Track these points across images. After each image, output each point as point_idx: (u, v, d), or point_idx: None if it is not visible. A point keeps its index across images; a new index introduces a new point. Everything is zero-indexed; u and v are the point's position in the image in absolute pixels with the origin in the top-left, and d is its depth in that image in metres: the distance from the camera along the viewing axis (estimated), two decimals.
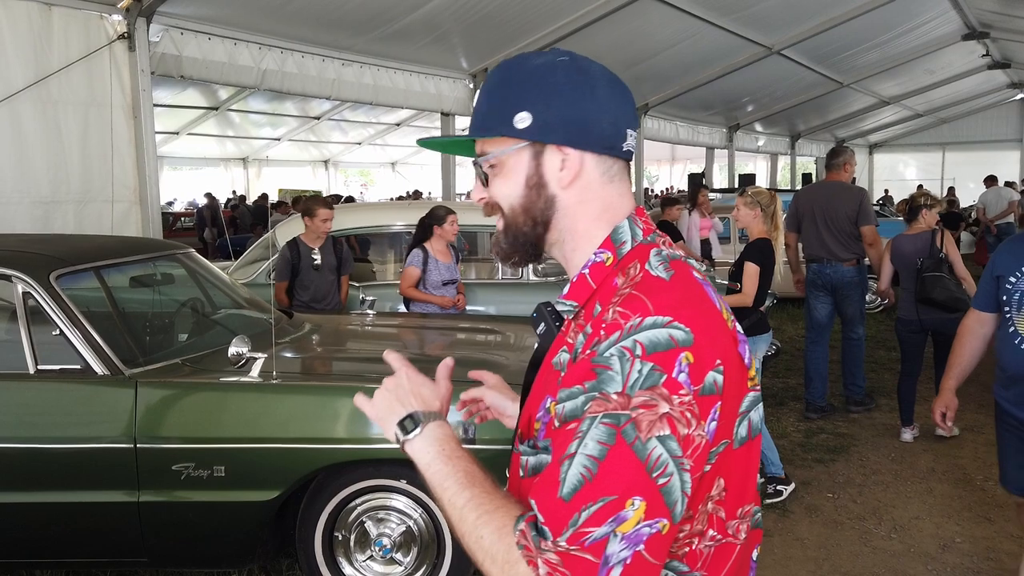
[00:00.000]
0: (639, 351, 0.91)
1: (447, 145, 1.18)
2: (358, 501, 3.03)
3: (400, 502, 3.03)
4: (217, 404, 2.92)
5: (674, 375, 0.91)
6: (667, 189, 23.65)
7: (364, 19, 8.13)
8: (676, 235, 8.29)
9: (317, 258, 4.99)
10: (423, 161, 27.84)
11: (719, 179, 18.35)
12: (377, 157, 26.29)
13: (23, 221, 5.75)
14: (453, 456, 1.02)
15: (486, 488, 0.98)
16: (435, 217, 4.95)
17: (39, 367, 2.91)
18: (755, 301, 4.20)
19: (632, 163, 1.14)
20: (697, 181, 17.02)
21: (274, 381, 2.95)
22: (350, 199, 19.02)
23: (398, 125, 21.41)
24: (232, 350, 2.92)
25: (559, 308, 1.08)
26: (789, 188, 18.77)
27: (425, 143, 1.19)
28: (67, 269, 3.10)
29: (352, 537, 3.04)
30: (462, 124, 11.37)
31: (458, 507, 0.98)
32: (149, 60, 6.56)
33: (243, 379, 2.93)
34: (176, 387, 2.94)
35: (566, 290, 1.07)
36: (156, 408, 2.88)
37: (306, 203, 5.15)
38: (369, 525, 3.03)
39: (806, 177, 21.67)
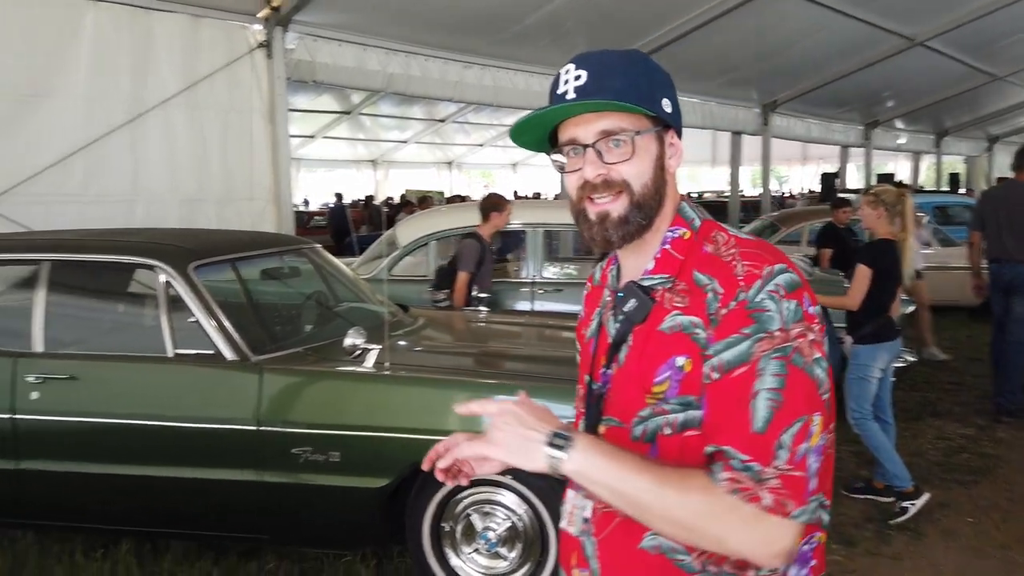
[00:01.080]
0: (782, 292, 1.05)
1: (530, 129, 1.18)
2: (465, 494, 3.06)
3: (506, 498, 3.04)
4: (334, 392, 3.04)
5: (806, 308, 1.06)
6: (792, 193, 22.55)
7: (485, 22, 8.25)
8: (841, 242, 7.11)
9: (494, 252, 5.12)
10: (543, 162, 27.85)
11: (855, 179, 17.39)
12: (498, 158, 26.68)
13: (172, 217, 6.22)
14: (614, 453, 1.06)
15: (657, 465, 1.05)
16: None
17: (176, 351, 3.13)
18: (872, 306, 3.94)
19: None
20: (830, 182, 16.26)
21: (386, 372, 3.03)
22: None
23: None
24: (347, 341, 3.03)
25: (647, 283, 1.16)
26: (934, 189, 17.54)
27: (522, 122, 1.16)
28: (203, 261, 3.31)
29: (459, 529, 3.08)
30: None
31: (651, 491, 1.02)
32: (285, 67, 6.93)
33: (358, 369, 3.03)
34: (297, 374, 3.08)
35: (651, 266, 1.16)
36: (278, 393, 3.03)
37: (494, 198, 5.27)
38: (475, 518, 3.06)
39: (952, 177, 20.18)
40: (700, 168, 28.67)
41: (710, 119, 12.45)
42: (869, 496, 4.10)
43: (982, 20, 10.76)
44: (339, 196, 18.06)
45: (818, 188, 21.39)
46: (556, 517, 3.06)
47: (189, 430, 3.08)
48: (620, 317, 1.18)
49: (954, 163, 21.09)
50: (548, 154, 1.20)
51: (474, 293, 4.73)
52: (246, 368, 3.06)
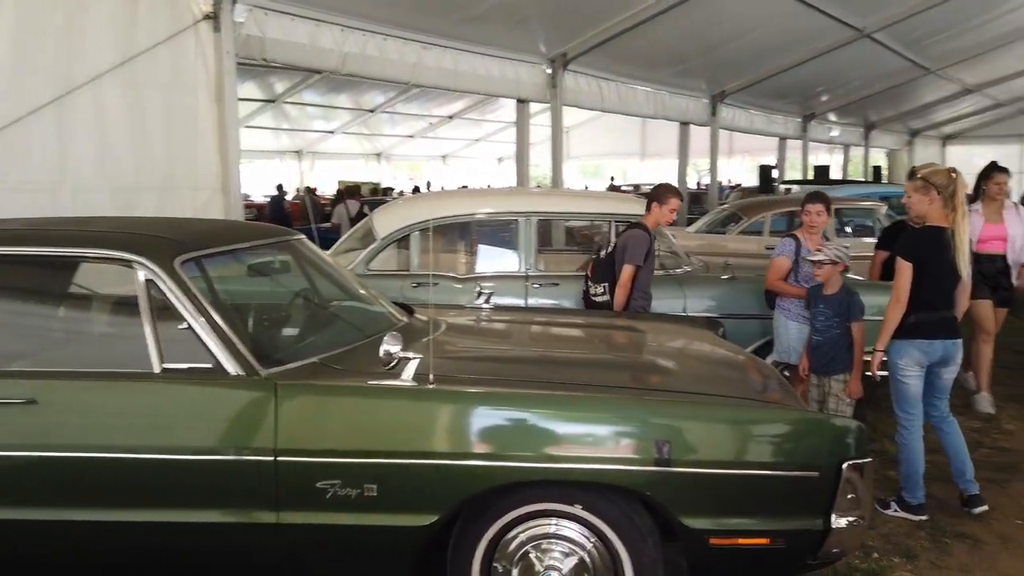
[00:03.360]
0: None
1: None
2: (521, 527, 2.61)
3: (571, 530, 2.59)
4: (367, 412, 2.52)
5: None
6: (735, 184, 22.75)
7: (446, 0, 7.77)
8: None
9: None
10: (473, 154, 27.55)
11: (791, 173, 17.63)
12: (428, 150, 26.05)
13: (104, 207, 5.45)
14: None
15: None
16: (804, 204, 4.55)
17: (164, 365, 2.54)
18: (912, 300, 3.59)
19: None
20: (768, 174, 16.40)
21: (430, 386, 2.54)
22: (416, 190, 18.68)
23: (451, 118, 21.23)
24: (384, 348, 2.52)
25: None
26: (862, 180, 17.95)
27: None
28: (191, 254, 2.73)
29: (515, 571, 2.62)
30: (536, 110, 10.93)
31: None
32: (234, 41, 6.25)
33: (396, 383, 2.53)
34: (321, 391, 2.55)
35: None
36: (299, 415, 2.49)
37: (658, 189, 4.84)
38: (534, 556, 2.61)
39: (875, 170, 20.77)
40: (630, 160, 28.74)
41: (661, 109, 12.27)
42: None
43: (924, 14, 10.92)
44: (280, 188, 17.20)
45: (743, 182, 21.82)
46: (631, 547, 2.67)
47: (183, 464, 2.50)
48: None
49: (877, 156, 21.74)
50: None
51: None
52: (256, 385, 2.51)
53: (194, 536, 2.53)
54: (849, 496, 2.47)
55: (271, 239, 3.32)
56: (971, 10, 11.57)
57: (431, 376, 2.55)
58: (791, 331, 4.39)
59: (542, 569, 2.60)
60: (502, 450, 2.45)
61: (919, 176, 3.70)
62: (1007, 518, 3.77)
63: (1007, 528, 3.68)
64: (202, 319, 2.55)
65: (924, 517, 3.74)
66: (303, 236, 3.61)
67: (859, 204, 9.55)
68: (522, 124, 10.35)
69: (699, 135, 13.59)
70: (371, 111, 19.22)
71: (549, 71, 9.94)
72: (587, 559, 2.59)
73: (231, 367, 2.53)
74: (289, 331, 3.23)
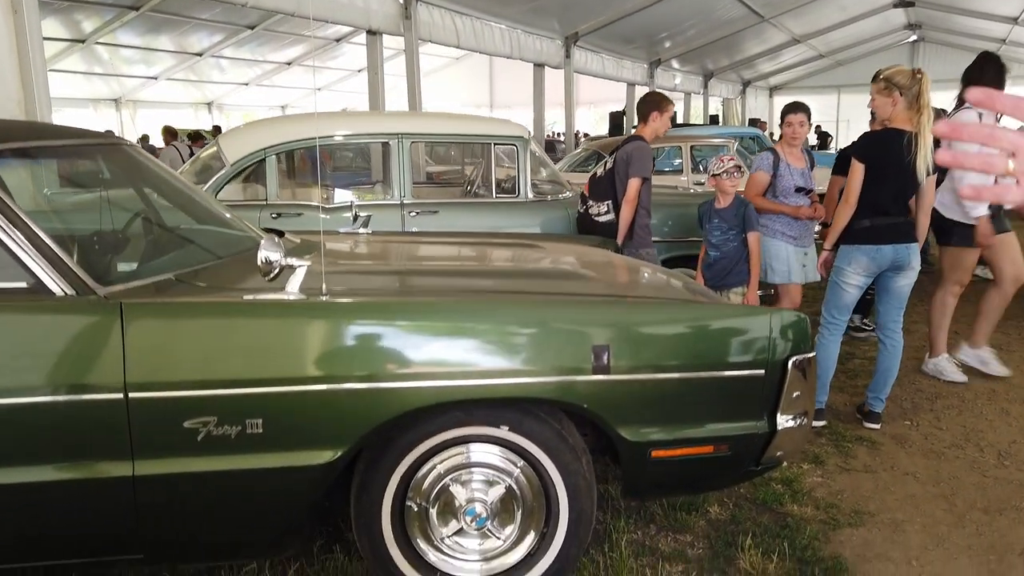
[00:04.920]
0: None
1: None
2: (438, 459, 2.24)
3: (495, 456, 2.26)
4: (246, 332, 2.02)
5: None
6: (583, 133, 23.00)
7: None
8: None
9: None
10: (315, 105, 26.10)
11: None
12: (266, 99, 24.37)
13: None
14: None
15: None
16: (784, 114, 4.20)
17: None
18: (863, 203, 3.48)
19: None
20: (619, 120, 16.62)
21: (323, 298, 2.09)
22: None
23: (288, 64, 19.97)
24: (262, 255, 2.04)
25: None
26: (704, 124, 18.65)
27: None
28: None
29: (432, 507, 2.25)
30: (390, 43, 10.25)
31: None
32: None
33: (280, 296, 2.06)
34: (183, 311, 2.02)
35: None
36: (155, 341, 1.96)
37: (654, 96, 4.43)
38: (455, 489, 2.25)
39: (713, 118, 21.67)
40: (480, 112, 28.37)
41: (517, 49, 11.96)
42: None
43: None
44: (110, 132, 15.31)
45: (591, 132, 22.14)
46: (563, 469, 2.37)
47: (2, 410, 1.92)
48: None
49: (714, 105, 22.66)
50: None
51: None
52: (92, 307, 1.95)
53: (23, 500, 1.96)
54: (795, 395, 2.29)
55: (95, 140, 2.68)
56: None
57: (323, 287, 2.11)
58: (772, 249, 4.14)
59: (464, 503, 2.25)
60: (416, 369, 2.05)
61: (882, 77, 3.51)
62: (893, 421, 3.85)
63: (897, 430, 3.74)
64: (14, 229, 1.95)
65: (823, 423, 3.73)
66: (135, 143, 2.98)
67: (711, 141, 9.87)
68: (374, 60, 9.67)
69: (548, 86, 13.32)
70: (198, 55, 17.72)
71: (402, 0, 9.32)
72: (515, 487, 2.27)
73: (56, 286, 1.95)
74: (132, 249, 2.62)
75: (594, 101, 23.85)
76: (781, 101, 27.16)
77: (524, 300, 2.32)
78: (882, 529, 2.81)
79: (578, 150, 10.50)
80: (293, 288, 2.08)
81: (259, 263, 2.03)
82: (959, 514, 2.92)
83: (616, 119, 16.64)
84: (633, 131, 4.45)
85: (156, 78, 19.49)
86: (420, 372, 2.06)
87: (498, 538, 2.29)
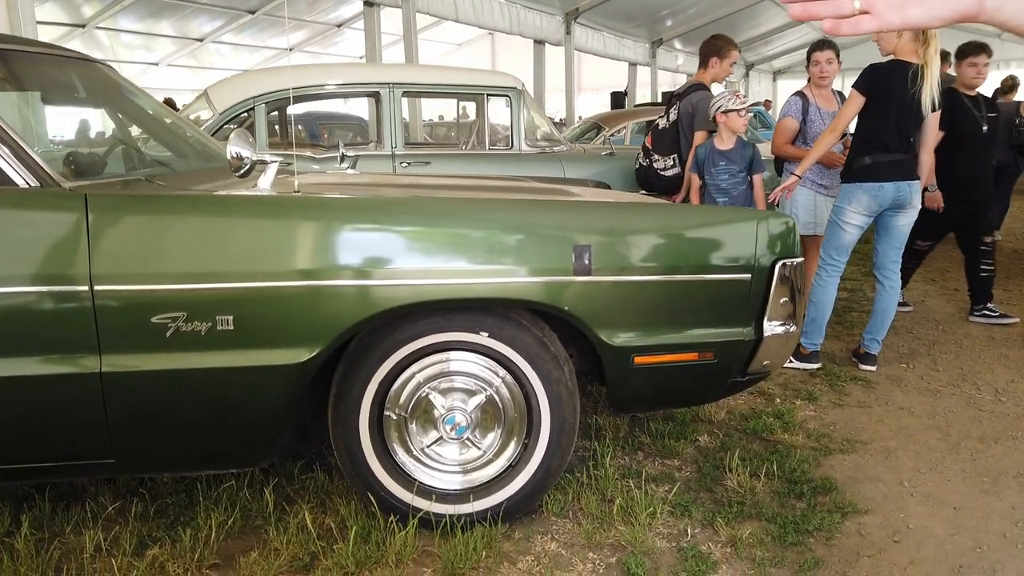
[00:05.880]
0: None
1: None
2: (417, 367, 2.19)
3: (476, 364, 2.21)
4: (217, 227, 1.97)
5: None
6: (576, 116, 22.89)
7: None
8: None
9: None
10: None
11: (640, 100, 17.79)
12: None
13: None
14: None
15: None
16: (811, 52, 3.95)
17: None
18: (864, 138, 3.39)
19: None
20: (620, 100, 16.48)
21: (296, 193, 2.04)
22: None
23: (290, 50, 19.86)
24: (231, 150, 1.99)
25: None
26: None
27: None
28: None
29: (411, 416, 2.20)
30: (389, 28, 10.16)
31: None
32: None
33: (252, 192, 2.01)
34: (152, 204, 1.97)
35: None
36: (122, 233, 1.91)
37: (716, 41, 4.18)
38: (435, 398, 2.20)
39: None
40: None
41: (516, 24, 11.86)
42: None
43: None
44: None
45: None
46: (545, 377, 2.32)
47: None
48: None
49: (717, 90, 22.55)
50: None
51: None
52: (56, 199, 1.90)
53: None
54: (782, 300, 2.23)
55: (72, 54, 2.63)
56: None
57: (296, 183, 2.05)
58: (800, 199, 3.98)
59: (443, 412, 2.20)
60: (391, 268, 2.00)
61: None
62: (889, 363, 3.78)
63: (893, 371, 3.68)
64: None
65: (818, 365, 3.67)
66: (109, 63, 2.93)
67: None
68: (371, 32, 9.61)
69: (549, 71, 13.17)
70: (199, 40, 17.64)
71: None
72: (496, 396, 2.22)
73: (21, 178, 1.90)
74: (102, 156, 2.56)
75: (596, 87, 23.72)
76: (785, 85, 27.12)
77: (504, 200, 2.27)
78: (874, 455, 2.76)
79: (577, 124, 10.41)
80: (266, 183, 2.03)
81: (229, 157, 1.98)
82: (953, 443, 2.86)
83: (618, 98, 16.50)
84: (692, 78, 4.30)
85: (157, 64, 19.41)
86: (396, 271, 2.01)
87: (479, 448, 2.24)
